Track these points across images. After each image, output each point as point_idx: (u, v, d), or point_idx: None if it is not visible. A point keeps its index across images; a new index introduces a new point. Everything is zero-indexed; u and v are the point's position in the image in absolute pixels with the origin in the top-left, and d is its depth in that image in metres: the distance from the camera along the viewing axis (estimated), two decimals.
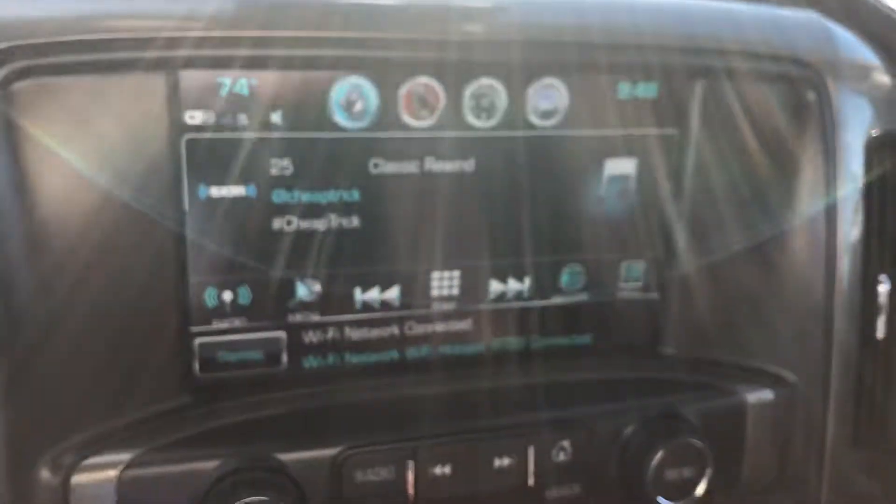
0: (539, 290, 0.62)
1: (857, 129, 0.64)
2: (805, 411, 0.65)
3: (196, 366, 0.55)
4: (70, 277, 0.50)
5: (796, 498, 0.67)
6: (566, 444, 0.58)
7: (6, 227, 0.48)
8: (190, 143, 0.52)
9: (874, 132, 0.65)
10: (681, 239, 0.63)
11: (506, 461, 0.56)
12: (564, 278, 0.62)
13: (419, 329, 0.60)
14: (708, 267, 0.64)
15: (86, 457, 0.50)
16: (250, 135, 0.53)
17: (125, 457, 0.50)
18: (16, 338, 0.48)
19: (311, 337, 0.58)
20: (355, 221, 0.56)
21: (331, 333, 0.58)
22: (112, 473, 0.50)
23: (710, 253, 0.64)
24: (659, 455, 0.57)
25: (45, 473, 0.49)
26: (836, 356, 0.65)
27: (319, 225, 0.55)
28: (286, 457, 0.53)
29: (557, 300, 0.62)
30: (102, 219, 0.50)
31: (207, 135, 0.52)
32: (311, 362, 0.58)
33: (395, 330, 0.59)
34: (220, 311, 0.55)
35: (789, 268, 0.64)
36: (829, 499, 0.67)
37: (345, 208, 0.56)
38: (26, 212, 0.48)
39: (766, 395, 0.64)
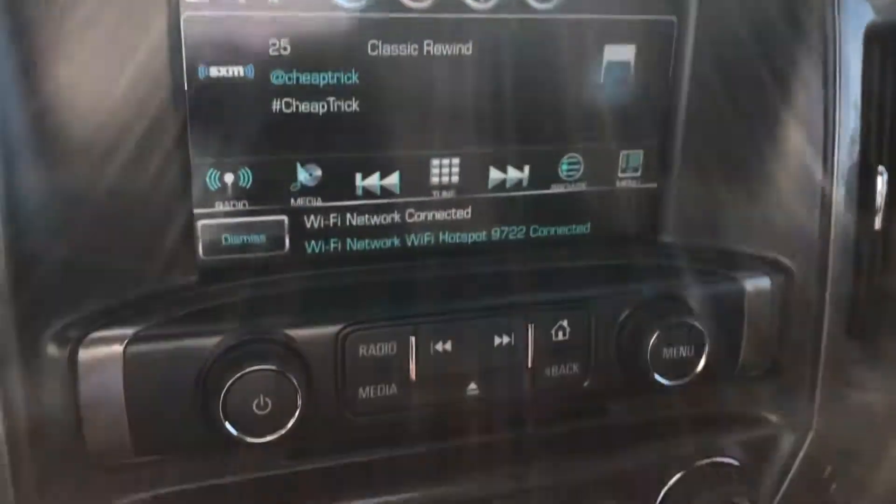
0: (538, 178, 0.62)
1: (856, 17, 0.64)
2: (802, 299, 0.66)
3: (200, 248, 0.56)
4: (76, 158, 0.50)
5: (792, 384, 0.68)
6: (565, 323, 0.59)
7: (13, 107, 0.48)
8: (189, 21, 0.52)
9: (873, 21, 0.65)
10: (679, 127, 0.64)
11: (505, 339, 0.57)
12: (563, 167, 0.63)
13: (419, 216, 0.60)
14: (706, 155, 0.64)
15: (90, 331, 0.51)
16: (248, 13, 0.53)
17: (129, 331, 0.51)
18: (22, 215, 0.49)
19: (312, 222, 0.58)
20: (354, 105, 0.56)
21: (332, 219, 0.59)
22: (117, 348, 0.51)
23: (709, 141, 0.64)
24: (657, 334, 0.58)
25: (52, 348, 0.50)
26: (833, 245, 0.65)
27: (318, 108, 0.56)
28: (291, 332, 0.54)
29: (557, 189, 0.63)
30: (106, 100, 0.50)
31: (206, 13, 0.52)
32: (313, 247, 0.59)
33: (395, 217, 0.60)
34: (222, 194, 0.56)
35: (788, 157, 0.64)
36: (824, 386, 0.68)
37: (343, 91, 0.56)
38: (33, 92, 0.49)
39: (764, 281, 0.64)
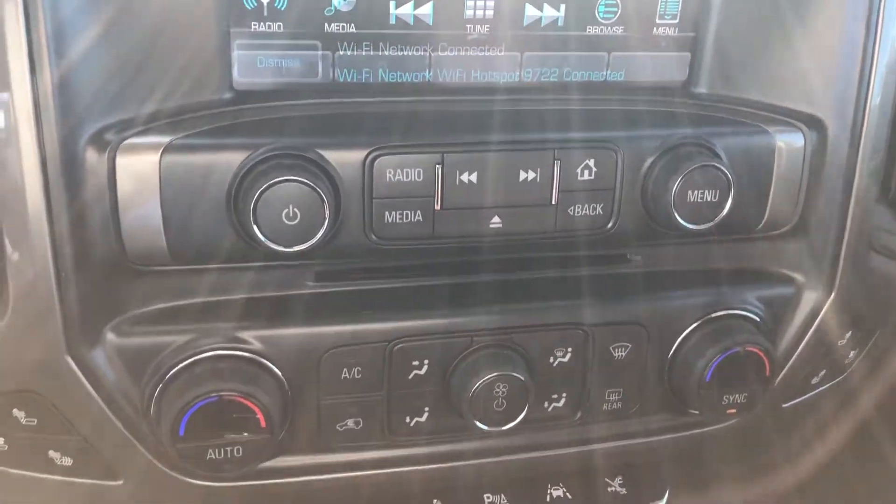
0: (574, 19, 0.62)
1: None
2: (835, 159, 0.65)
3: (235, 68, 0.57)
4: None
5: (816, 245, 0.68)
6: (591, 163, 0.59)
7: None
8: None
9: None
10: None
11: (531, 175, 0.58)
12: (600, 9, 0.62)
13: (451, 50, 0.61)
14: (746, 5, 0.63)
15: (127, 137, 0.53)
16: None
17: (165, 139, 0.53)
18: (66, 21, 0.50)
19: (345, 49, 0.59)
20: None
21: (365, 47, 0.59)
22: (153, 156, 0.53)
23: None
24: (682, 177, 0.58)
25: (91, 153, 0.52)
26: (871, 107, 0.64)
27: None
28: (321, 151, 0.55)
29: (592, 31, 0.62)
30: None
31: None
32: (345, 75, 0.59)
33: (427, 49, 0.60)
34: (258, 14, 0.56)
35: (831, 10, 0.62)
36: (848, 249, 0.68)
37: None
38: None
39: (797, 137, 0.64)
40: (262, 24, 0.57)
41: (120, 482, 0.61)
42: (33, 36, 0.49)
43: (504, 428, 0.62)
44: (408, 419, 0.63)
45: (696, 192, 0.59)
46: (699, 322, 0.66)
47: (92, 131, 0.52)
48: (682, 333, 0.66)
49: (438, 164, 0.57)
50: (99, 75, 0.52)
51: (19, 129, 0.50)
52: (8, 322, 0.54)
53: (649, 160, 0.60)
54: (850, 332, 0.74)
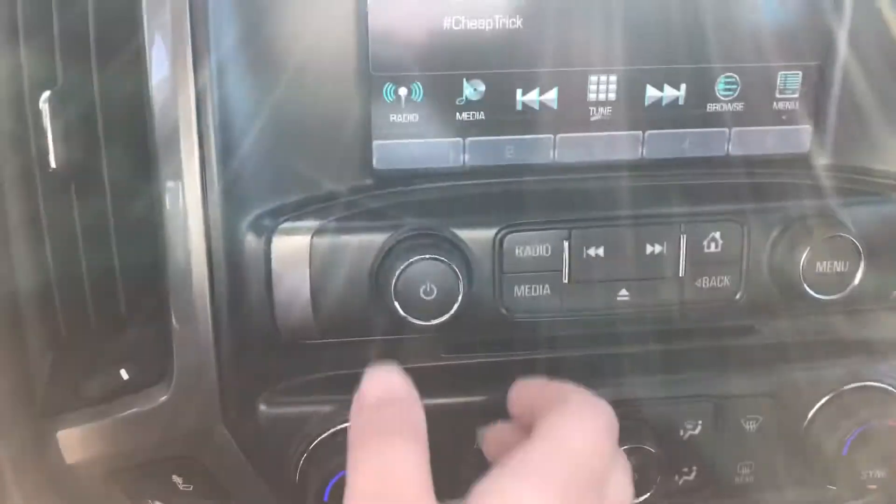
0: (695, 97, 0.64)
1: None
2: None
3: (375, 157, 0.62)
4: (276, 74, 0.57)
5: None
6: (717, 235, 0.60)
7: (229, 30, 0.55)
8: None
9: None
10: (841, 47, 0.63)
11: (657, 248, 0.60)
12: (720, 86, 0.64)
13: (575, 132, 0.63)
14: (866, 75, 0.64)
15: (282, 223, 0.58)
16: None
17: (315, 223, 0.58)
18: (232, 123, 0.56)
19: (475, 135, 0.63)
20: (518, 22, 0.60)
21: (493, 132, 0.63)
22: (304, 238, 0.58)
23: (871, 61, 0.63)
24: (810, 247, 0.59)
25: (250, 237, 0.58)
26: None
27: (486, 24, 0.60)
28: (455, 230, 0.58)
29: (713, 108, 0.64)
30: (299, 24, 0.57)
31: None
32: (475, 159, 0.63)
33: (552, 132, 0.63)
34: (397, 106, 0.61)
35: None
36: None
37: (509, 7, 0.60)
38: (245, 14, 0.56)
39: None
40: (399, 115, 0.61)
41: None
42: (204, 134, 0.54)
43: (638, 500, 0.62)
44: None
45: (825, 262, 0.59)
46: (833, 394, 0.65)
47: (251, 217, 0.57)
48: (815, 406, 0.65)
49: (566, 239, 0.59)
50: (257, 168, 0.57)
51: (188, 215, 0.55)
52: (171, 395, 0.59)
53: (775, 231, 0.61)
54: None
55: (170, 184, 0.55)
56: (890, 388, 0.66)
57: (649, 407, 0.63)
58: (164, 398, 0.58)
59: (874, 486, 0.65)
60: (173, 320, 0.57)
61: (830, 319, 0.67)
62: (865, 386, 0.65)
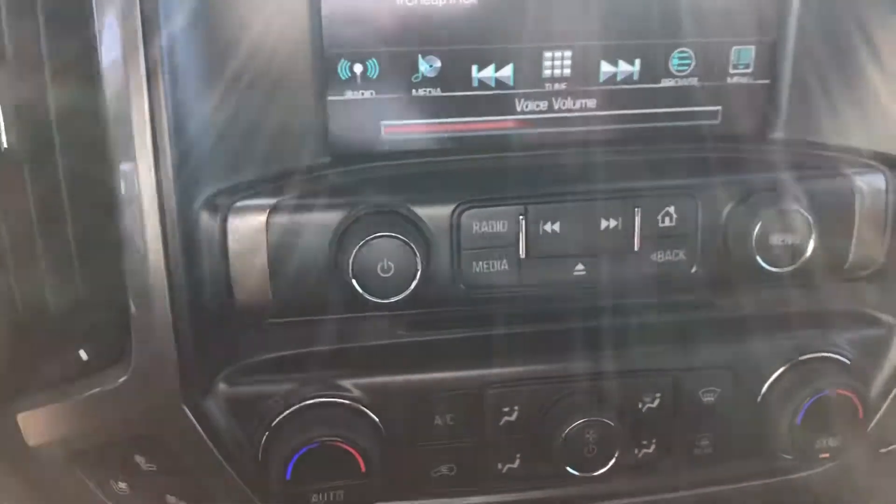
0: (649, 73, 0.64)
1: None
2: None
3: (331, 134, 0.62)
4: (228, 52, 0.57)
5: None
6: (672, 210, 0.61)
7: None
8: None
9: None
10: (793, 22, 0.64)
11: (612, 223, 0.61)
12: (674, 62, 0.64)
13: (531, 108, 0.64)
14: (820, 51, 0.64)
15: (237, 201, 0.58)
16: None
17: (271, 201, 0.58)
18: (183, 105, 0.56)
19: (432, 111, 0.63)
20: None
21: (450, 108, 0.63)
22: (261, 217, 0.58)
23: (823, 36, 0.64)
24: (763, 221, 0.60)
25: (206, 215, 0.57)
26: None
27: (440, 0, 0.60)
28: (413, 207, 0.59)
29: (667, 83, 0.65)
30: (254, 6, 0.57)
31: None
32: (432, 133, 0.63)
33: (508, 108, 0.64)
34: (352, 83, 0.61)
35: None
36: None
37: None
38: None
39: (878, 178, 0.64)
40: (355, 92, 0.61)
41: None
42: (156, 116, 0.54)
43: (595, 473, 0.63)
44: (500, 465, 0.65)
45: (777, 235, 0.60)
46: (788, 365, 0.66)
47: (206, 196, 0.57)
48: (770, 377, 0.66)
49: (522, 215, 0.60)
50: (211, 146, 0.57)
51: (142, 196, 0.55)
52: (130, 375, 0.59)
53: (729, 205, 0.62)
54: None
55: (123, 163, 0.55)
56: (842, 359, 0.67)
57: (608, 381, 0.64)
58: (123, 378, 0.58)
59: (827, 455, 0.66)
60: (130, 301, 0.57)
61: (784, 292, 0.68)
62: (819, 357, 0.66)
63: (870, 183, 0.64)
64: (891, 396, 0.69)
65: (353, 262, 0.56)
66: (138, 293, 0.57)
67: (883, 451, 0.73)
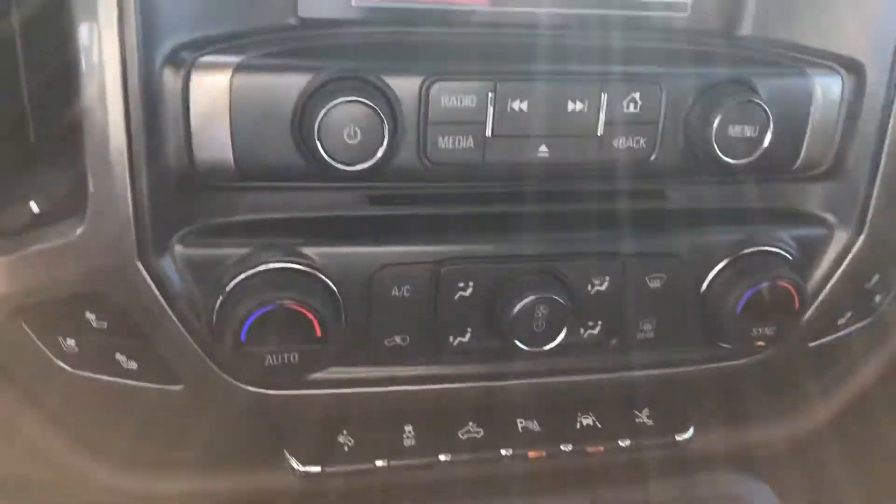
0: None
1: None
2: (872, 102, 0.67)
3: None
4: None
5: (849, 186, 0.70)
6: (637, 96, 0.62)
7: None
8: None
9: None
10: None
11: (578, 105, 0.61)
12: None
13: None
14: None
15: (201, 55, 0.56)
16: None
17: (236, 59, 0.56)
18: None
19: None
20: None
21: None
22: (225, 74, 0.56)
23: None
24: (723, 113, 0.61)
25: (168, 70, 0.56)
26: None
27: None
28: (382, 76, 0.58)
29: None
30: None
31: None
32: (404, 4, 0.62)
33: None
34: None
35: None
36: (881, 192, 0.70)
37: None
38: None
39: (835, 80, 0.66)
40: None
41: (180, 387, 0.65)
42: None
43: (543, 349, 0.65)
44: (451, 339, 0.67)
45: (735, 127, 0.62)
46: (733, 257, 0.69)
47: (168, 49, 0.55)
48: (715, 267, 0.69)
49: (491, 91, 0.59)
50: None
51: (103, 42, 0.53)
52: (85, 229, 0.57)
53: (692, 96, 0.63)
54: (878, 276, 0.76)
55: (82, 8, 0.52)
56: (784, 254, 0.70)
57: (560, 261, 0.66)
58: (77, 232, 0.57)
59: (763, 343, 0.69)
60: (87, 153, 0.56)
61: (735, 187, 0.70)
62: (762, 251, 0.69)
63: (826, 84, 0.66)
64: (824, 292, 0.73)
65: (319, 126, 0.55)
66: (94, 143, 0.55)
67: (812, 344, 0.77)
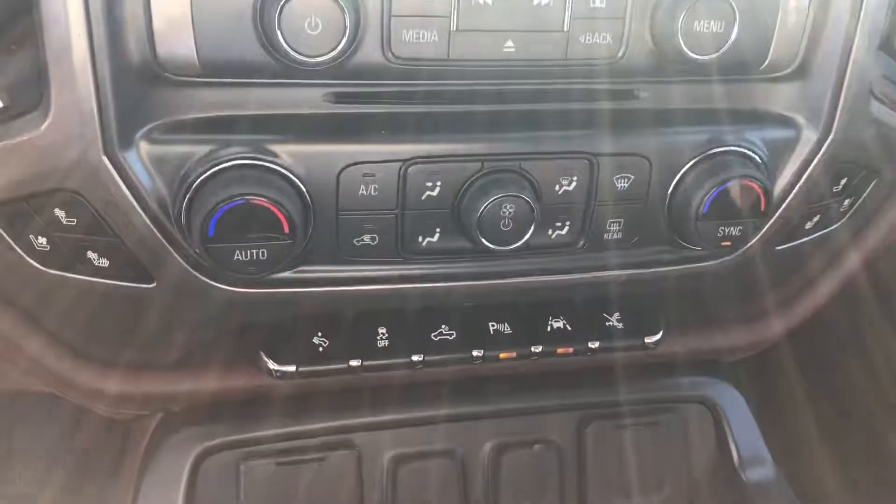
0: None
1: None
2: (839, 2, 0.67)
3: None
4: None
5: (817, 87, 0.70)
6: None
7: None
8: None
9: None
10: None
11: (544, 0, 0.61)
12: None
13: None
14: None
15: None
16: None
17: None
18: None
19: None
20: None
21: None
22: None
23: None
24: (689, 6, 0.61)
25: None
26: None
27: None
28: None
29: None
30: None
31: None
32: None
33: None
34: None
35: None
36: (848, 93, 0.70)
37: None
38: None
39: None
40: None
41: (152, 285, 0.66)
42: None
43: (510, 247, 0.66)
44: (420, 238, 0.67)
45: (702, 21, 0.61)
46: (700, 157, 0.69)
47: None
48: (683, 167, 0.69)
49: None
50: None
51: None
52: (49, 125, 0.58)
53: None
54: (846, 180, 0.77)
55: None
56: (752, 154, 0.70)
57: (527, 161, 0.66)
58: (41, 127, 0.57)
59: (728, 243, 0.70)
60: (47, 45, 0.55)
61: (703, 87, 0.70)
62: (730, 150, 0.69)
63: None
64: (791, 195, 0.74)
65: (279, 17, 0.55)
66: (57, 43, 0.55)
67: (779, 248, 0.78)
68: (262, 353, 0.76)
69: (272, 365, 0.76)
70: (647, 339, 0.82)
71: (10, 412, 1.10)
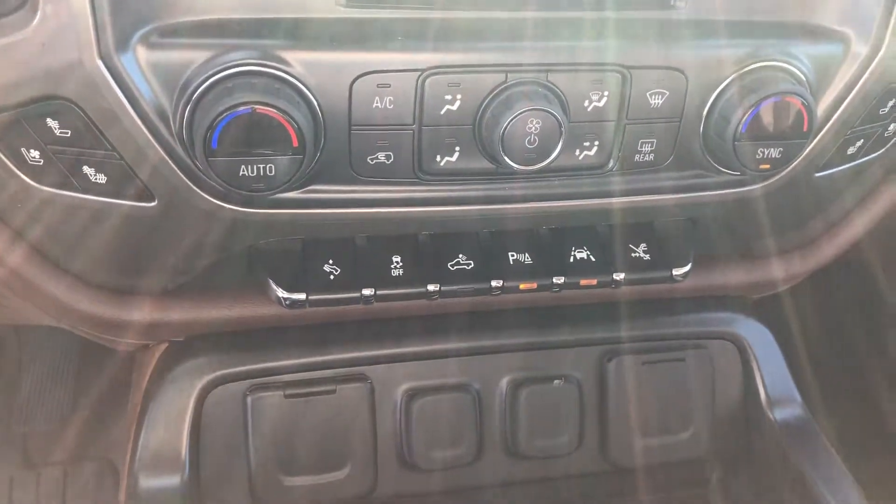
0: None
1: None
2: None
3: None
4: None
5: (869, 1, 0.65)
6: None
7: None
8: None
9: None
10: None
11: None
12: None
13: None
14: None
15: None
16: None
17: None
18: None
19: None
20: None
21: None
22: None
23: None
24: None
25: None
26: None
27: None
28: None
29: None
30: None
31: None
32: None
33: None
34: None
35: None
36: None
37: None
38: None
39: None
40: None
41: (153, 203, 0.62)
42: None
43: (534, 167, 0.61)
44: (438, 158, 0.63)
45: None
46: (740, 71, 0.64)
47: None
48: (722, 83, 0.64)
49: None
50: None
51: None
52: (37, 24, 0.53)
53: None
54: (894, 101, 0.72)
55: None
56: (794, 69, 0.65)
57: (555, 72, 0.61)
58: (31, 25, 0.53)
59: (767, 166, 0.66)
60: None
61: None
62: (771, 65, 0.64)
63: None
64: (836, 115, 0.69)
65: None
66: None
67: (819, 175, 0.74)
68: (270, 281, 0.72)
69: (281, 293, 0.72)
70: (675, 272, 0.78)
71: (13, 345, 1.07)
